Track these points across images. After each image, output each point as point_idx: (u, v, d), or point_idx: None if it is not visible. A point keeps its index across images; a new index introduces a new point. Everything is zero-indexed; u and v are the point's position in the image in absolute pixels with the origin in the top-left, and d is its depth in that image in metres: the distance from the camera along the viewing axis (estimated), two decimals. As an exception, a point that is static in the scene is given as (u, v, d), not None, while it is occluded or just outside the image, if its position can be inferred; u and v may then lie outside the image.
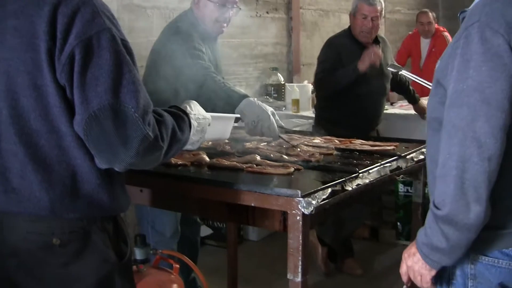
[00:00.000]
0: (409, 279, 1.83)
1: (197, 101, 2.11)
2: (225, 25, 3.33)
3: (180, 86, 2.91)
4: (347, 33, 4.24)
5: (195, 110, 2.03)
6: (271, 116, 2.72)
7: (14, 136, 1.64)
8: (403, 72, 4.07)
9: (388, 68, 4.13)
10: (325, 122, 4.22)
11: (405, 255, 1.82)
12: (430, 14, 6.89)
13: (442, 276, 1.79)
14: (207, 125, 2.08)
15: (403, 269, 1.83)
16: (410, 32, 7.35)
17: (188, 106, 2.02)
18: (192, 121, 1.97)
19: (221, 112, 2.53)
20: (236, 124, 2.61)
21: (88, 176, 1.67)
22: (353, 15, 4.15)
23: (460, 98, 1.59)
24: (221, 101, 2.81)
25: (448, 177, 1.59)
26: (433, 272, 1.74)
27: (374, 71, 4.07)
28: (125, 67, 1.62)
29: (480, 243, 1.67)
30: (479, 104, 1.56)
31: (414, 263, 1.77)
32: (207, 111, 2.13)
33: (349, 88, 4.02)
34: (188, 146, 1.99)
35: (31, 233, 1.65)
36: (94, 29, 1.60)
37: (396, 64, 4.27)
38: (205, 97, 2.77)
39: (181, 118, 1.89)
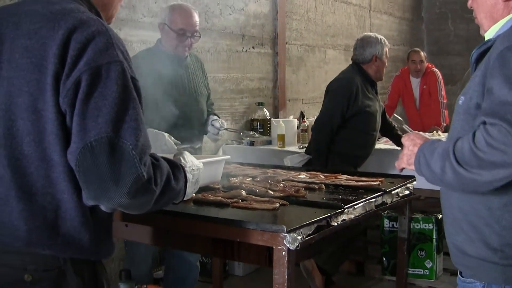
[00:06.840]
0: None
1: None
2: (187, 49, 3.47)
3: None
4: (360, 71, 4.40)
5: (189, 161, 1.98)
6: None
7: (4, 158, 1.59)
8: (405, 127, 4.84)
9: (392, 121, 4.68)
10: (336, 155, 4.31)
11: (411, 137, 1.95)
12: (422, 53, 6.84)
13: None
14: (200, 174, 2.03)
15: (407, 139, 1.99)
16: (396, 73, 7.22)
17: (181, 158, 1.97)
18: (188, 174, 1.91)
19: None
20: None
21: (72, 213, 1.60)
22: (379, 58, 4.36)
23: (504, 108, 1.65)
24: None
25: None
26: (412, 167, 1.91)
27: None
28: (130, 103, 1.57)
29: None
30: None
31: (410, 148, 1.92)
32: None
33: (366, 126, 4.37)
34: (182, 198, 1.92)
35: (2, 265, 1.59)
36: (105, 59, 1.56)
37: (398, 118, 4.69)
38: None
39: (177, 167, 1.82)
